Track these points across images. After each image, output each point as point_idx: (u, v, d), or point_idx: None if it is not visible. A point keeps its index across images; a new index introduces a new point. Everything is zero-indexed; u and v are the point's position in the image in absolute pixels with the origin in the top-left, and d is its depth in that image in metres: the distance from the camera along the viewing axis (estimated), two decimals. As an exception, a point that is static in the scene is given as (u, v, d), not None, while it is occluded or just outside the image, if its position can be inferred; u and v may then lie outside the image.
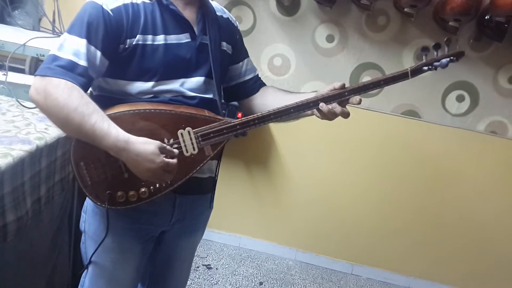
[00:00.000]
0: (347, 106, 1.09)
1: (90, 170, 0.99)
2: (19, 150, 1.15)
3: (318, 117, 1.09)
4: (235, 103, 1.34)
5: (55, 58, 0.94)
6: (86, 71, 0.95)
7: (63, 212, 1.59)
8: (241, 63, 1.26)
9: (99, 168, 0.99)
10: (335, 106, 1.06)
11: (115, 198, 1.01)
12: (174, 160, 0.97)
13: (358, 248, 2.68)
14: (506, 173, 2.46)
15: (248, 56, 1.29)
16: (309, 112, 1.10)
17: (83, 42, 0.94)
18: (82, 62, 0.94)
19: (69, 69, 0.93)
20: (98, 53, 0.96)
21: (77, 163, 0.99)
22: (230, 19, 1.24)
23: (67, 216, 1.63)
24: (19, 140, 1.22)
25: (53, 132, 1.35)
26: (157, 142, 0.95)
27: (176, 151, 0.99)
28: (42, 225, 1.44)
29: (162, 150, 0.95)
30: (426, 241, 2.62)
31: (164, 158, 0.95)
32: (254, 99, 1.27)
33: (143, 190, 1.02)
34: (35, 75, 0.93)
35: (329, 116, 1.07)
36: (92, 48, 0.95)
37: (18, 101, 1.51)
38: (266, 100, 1.23)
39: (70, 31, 0.96)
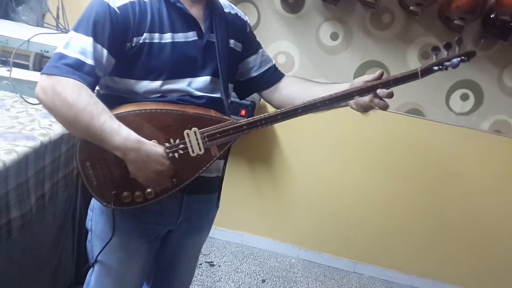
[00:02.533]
0: None
1: (96, 170, 0.99)
2: (23, 146, 1.16)
3: (353, 109, 1.13)
4: (245, 101, 1.33)
5: (61, 56, 0.92)
6: (93, 70, 0.94)
7: (66, 209, 1.60)
8: (254, 55, 1.24)
9: (105, 169, 0.99)
10: (370, 98, 1.09)
11: (121, 199, 1.01)
12: (173, 166, 0.98)
13: (361, 247, 2.68)
14: (510, 172, 2.45)
15: (261, 47, 1.27)
16: (343, 103, 1.10)
17: (89, 40, 0.93)
18: (89, 61, 0.93)
19: (76, 68, 0.91)
20: (105, 52, 0.95)
21: (83, 163, 0.98)
22: (239, 14, 1.22)
23: (70, 213, 1.64)
24: (24, 136, 1.22)
25: (57, 129, 1.36)
26: (163, 147, 0.97)
27: (167, 162, 0.99)
28: (46, 221, 1.45)
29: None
30: (429, 239, 2.62)
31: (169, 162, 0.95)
32: (278, 90, 1.25)
33: (149, 190, 1.01)
34: (41, 74, 0.92)
35: (364, 107, 1.11)
36: (99, 46, 0.94)
37: (22, 97, 1.51)
38: (293, 92, 1.22)
39: (76, 29, 0.94)
